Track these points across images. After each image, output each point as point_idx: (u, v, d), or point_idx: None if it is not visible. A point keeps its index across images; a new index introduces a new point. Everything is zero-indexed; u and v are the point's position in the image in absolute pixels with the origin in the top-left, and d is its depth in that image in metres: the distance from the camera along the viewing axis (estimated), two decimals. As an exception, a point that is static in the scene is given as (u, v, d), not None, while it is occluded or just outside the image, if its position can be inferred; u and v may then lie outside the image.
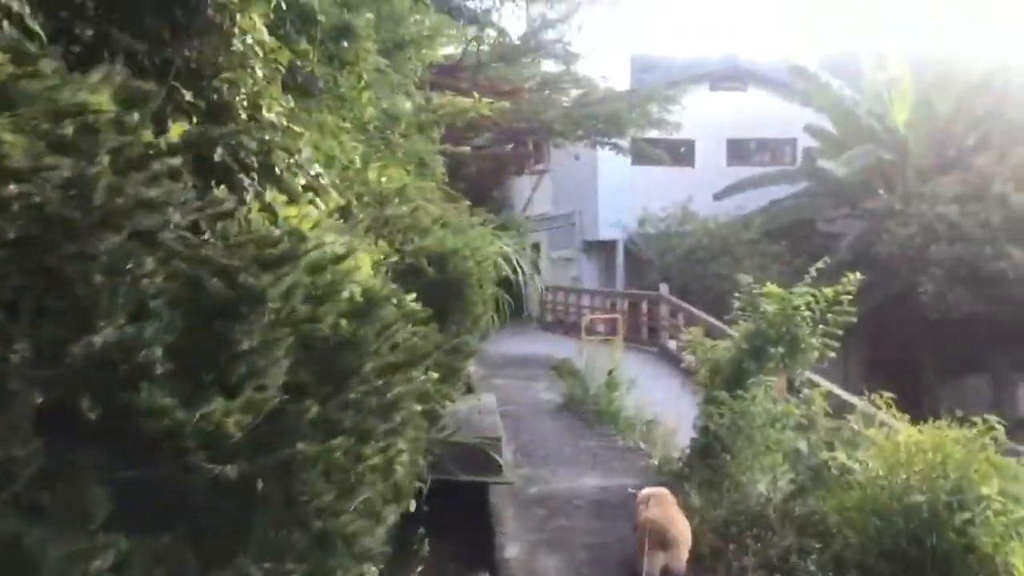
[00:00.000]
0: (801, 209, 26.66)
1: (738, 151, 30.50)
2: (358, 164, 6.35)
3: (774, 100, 29.85)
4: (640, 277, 27.33)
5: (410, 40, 9.55)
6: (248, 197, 3.45)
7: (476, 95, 13.87)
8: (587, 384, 13.10)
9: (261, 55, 4.19)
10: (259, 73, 4.12)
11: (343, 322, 3.16)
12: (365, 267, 3.75)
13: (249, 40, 4.03)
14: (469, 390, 10.18)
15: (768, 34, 70.18)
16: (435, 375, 4.42)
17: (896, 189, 24.60)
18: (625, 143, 22.50)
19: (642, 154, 27.54)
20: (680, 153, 29.79)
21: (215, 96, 3.81)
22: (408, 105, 10.22)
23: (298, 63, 5.18)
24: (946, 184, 22.35)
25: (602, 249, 30.08)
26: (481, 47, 18.70)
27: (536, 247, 32.98)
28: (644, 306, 22.82)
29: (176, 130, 3.07)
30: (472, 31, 17.30)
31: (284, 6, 4.81)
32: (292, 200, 3.67)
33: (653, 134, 23.71)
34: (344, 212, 4.57)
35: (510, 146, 25.36)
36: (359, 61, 6.29)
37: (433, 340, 4.20)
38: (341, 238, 3.45)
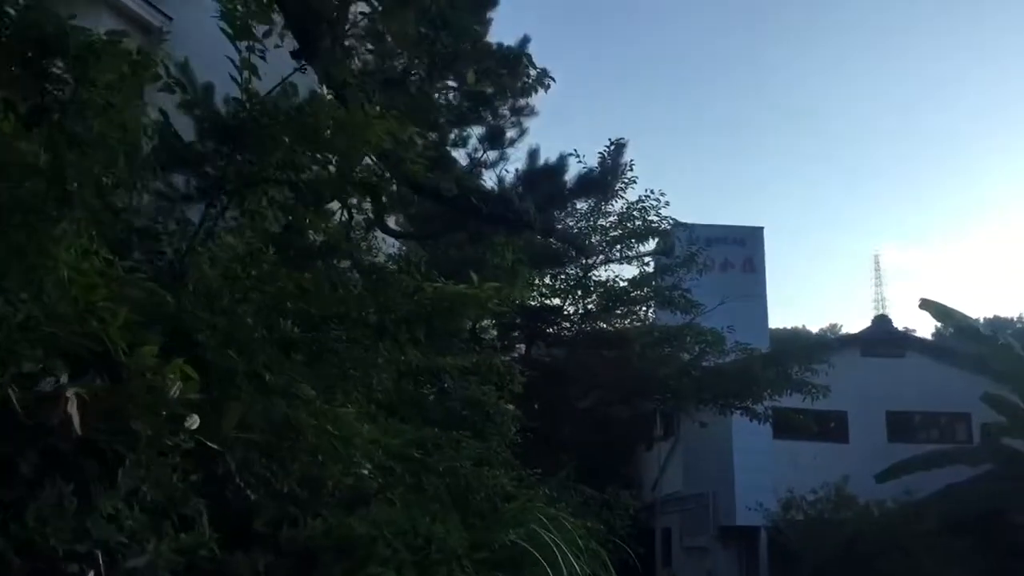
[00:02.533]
0: (988, 496, 21.88)
1: (901, 425, 26.36)
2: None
3: (939, 368, 26.23)
4: (788, 573, 22.57)
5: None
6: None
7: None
8: None
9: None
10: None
11: None
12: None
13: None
14: None
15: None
16: None
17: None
18: (761, 409, 19.03)
19: (786, 425, 24.13)
20: (831, 428, 26.11)
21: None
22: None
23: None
24: None
25: (741, 537, 25.61)
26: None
27: (667, 533, 29.07)
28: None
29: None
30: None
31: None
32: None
33: (796, 403, 20.40)
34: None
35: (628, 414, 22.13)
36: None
37: None
38: None
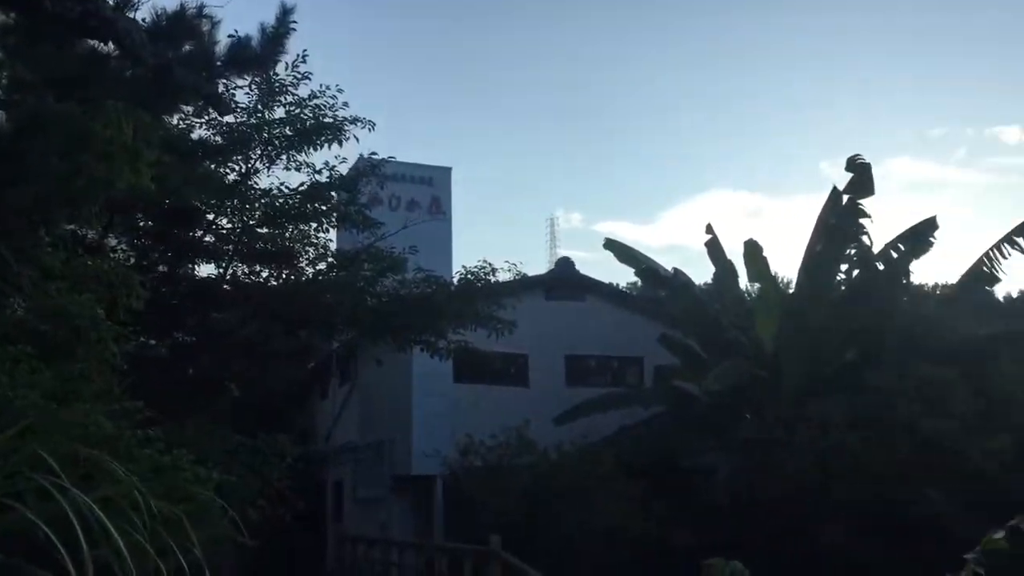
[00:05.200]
0: (658, 439, 22.00)
1: (578, 369, 26.16)
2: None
3: (618, 313, 26.36)
4: (466, 524, 21.26)
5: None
6: None
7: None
8: None
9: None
10: None
11: None
12: None
13: None
14: None
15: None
16: None
17: (769, 413, 20.42)
18: (443, 344, 17.39)
19: (468, 368, 22.94)
20: (511, 372, 25.40)
21: None
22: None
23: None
24: (835, 406, 18.31)
25: (417, 487, 24.09)
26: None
27: (340, 486, 27.07)
28: (469, 566, 16.84)
29: None
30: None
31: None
32: None
33: (479, 344, 19.13)
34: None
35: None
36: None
37: None
38: None
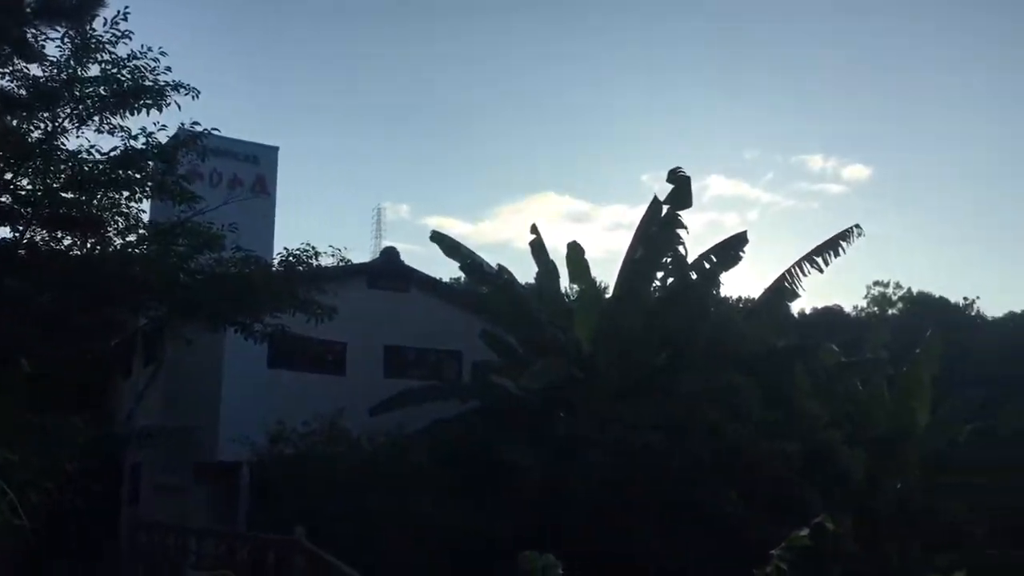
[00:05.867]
0: (473, 434, 22.09)
1: (397, 360, 25.98)
2: None
3: (441, 306, 26.40)
4: (274, 514, 20.58)
5: None
6: None
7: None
8: None
9: None
10: None
11: None
12: None
13: None
14: None
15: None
16: None
17: (583, 412, 20.93)
18: (259, 327, 16.76)
19: (283, 353, 22.32)
20: (328, 359, 24.92)
21: None
22: None
23: None
24: (645, 408, 19.01)
25: (222, 474, 23.15)
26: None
27: (138, 470, 25.62)
28: (271, 556, 16.32)
29: None
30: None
31: None
32: None
33: (298, 330, 18.60)
34: None
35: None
36: None
37: None
38: None
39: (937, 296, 52.99)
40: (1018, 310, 54.22)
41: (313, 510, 17.50)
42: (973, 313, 52.62)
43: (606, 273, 35.85)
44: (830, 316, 48.38)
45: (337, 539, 16.17)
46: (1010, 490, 20.39)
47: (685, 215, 21.02)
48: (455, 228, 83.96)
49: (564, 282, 24.30)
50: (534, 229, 23.80)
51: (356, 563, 13.90)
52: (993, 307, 56.49)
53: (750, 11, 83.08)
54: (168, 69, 14.33)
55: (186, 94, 14.25)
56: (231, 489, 22.97)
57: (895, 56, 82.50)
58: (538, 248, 23.83)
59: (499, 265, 24.38)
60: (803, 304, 47.18)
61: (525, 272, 27.38)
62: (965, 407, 23.74)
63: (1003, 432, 22.23)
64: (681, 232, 20.93)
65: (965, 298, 53.51)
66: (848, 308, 52.95)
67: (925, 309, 49.49)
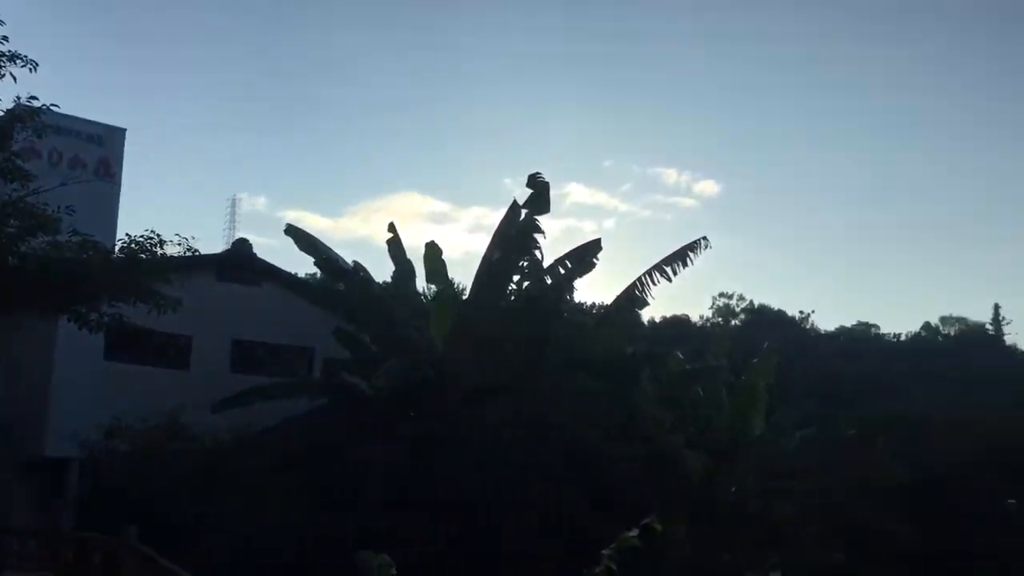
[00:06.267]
0: (322, 432, 21.66)
1: (246, 356, 25.19)
2: None
3: (295, 301, 25.74)
4: (105, 513, 19.56)
5: None
6: None
7: None
8: None
9: None
10: None
11: None
12: None
13: None
14: None
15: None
16: None
17: (435, 412, 20.86)
18: (95, 317, 15.86)
19: (121, 345, 21.34)
20: (171, 353, 23.90)
21: None
22: None
23: None
24: (499, 409, 19.13)
25: (50, 471, 21.83)
26: None
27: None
28: (98, 557, 15.48)
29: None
30: None
31: None
32: None
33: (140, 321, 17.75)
34: None
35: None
36: None
37: None
38: None
39: (776, 308, 55.89)
40: (848, 324, 57.90)
41: (150, 510, 16.76)
42: (808, 327, 55.79)
43: (465, 274, 35.98)
44: (678, 325, 50.18)
45: (177, 541, 15.55)
46: (837, 494, 21.63)
47: (543, 220, 21.35)
48: (315, 223, 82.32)
49: (421, 282, 24.23)
50: (391, 228, 23.63)
51: (198, 565, 13.40)
52: (826, 321, 60.03)
53: (614, 27, 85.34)
54: (4, 38, 13.44)
55: (23, 66, 13.37)
56: (59, 487, 21.71)
57: (752, 77, 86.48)
58: (395, 247, 23.64)
59: (355, 262, 24.07)
60: (653, 312, 48.75)
61: (384, 271, 27.07)
62: (796, 415, 25.09)
63: (828, 437, 23.62)
64: (538, 237, 21.24)
65: (801, 311, 56.70)
66: (695, 318, 55.09)
67: (765, 319, 52.12)
